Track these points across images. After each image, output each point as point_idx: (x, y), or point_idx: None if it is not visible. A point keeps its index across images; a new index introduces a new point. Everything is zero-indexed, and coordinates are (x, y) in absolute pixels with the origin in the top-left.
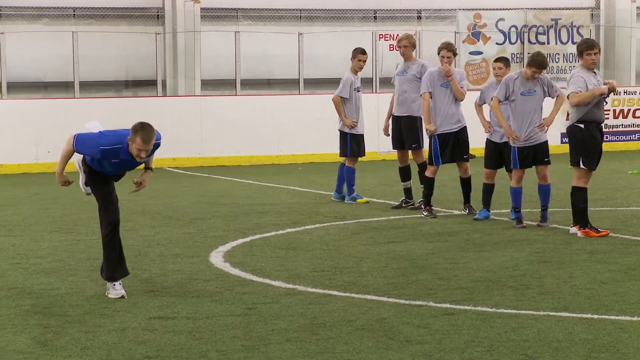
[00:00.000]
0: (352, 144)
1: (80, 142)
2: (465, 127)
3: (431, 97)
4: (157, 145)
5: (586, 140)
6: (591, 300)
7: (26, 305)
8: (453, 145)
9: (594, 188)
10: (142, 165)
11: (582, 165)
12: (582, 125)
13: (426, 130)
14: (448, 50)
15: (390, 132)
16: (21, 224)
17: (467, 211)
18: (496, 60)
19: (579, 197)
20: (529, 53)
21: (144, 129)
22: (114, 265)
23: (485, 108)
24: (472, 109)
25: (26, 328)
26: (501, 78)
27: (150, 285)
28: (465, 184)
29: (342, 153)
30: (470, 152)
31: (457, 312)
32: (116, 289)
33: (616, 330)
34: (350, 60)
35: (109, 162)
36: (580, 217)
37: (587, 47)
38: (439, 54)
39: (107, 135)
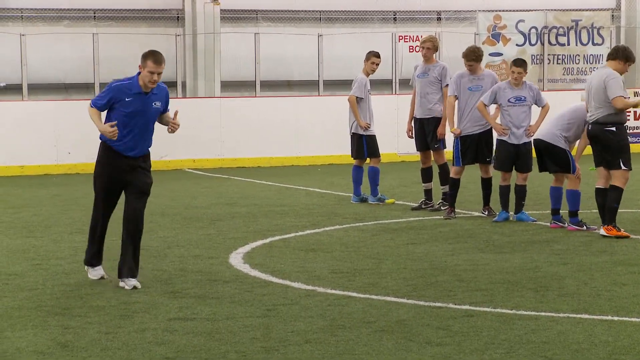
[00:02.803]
0: (368, 145)
1: (95, 98)
2: (490, 129)
3: (457, 100)
4: (166, 93)
5: (622, 141)
6: (611, 302)
7: (46, 306)
8: (476, 146)
9: None
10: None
11: (623, 167)
12: (613, 128)
13: (452, 133)
14: (467, 59)
15: (412, 134)
16: (41, 225)
17: (486, 213)
18: (518, 65)
19: (617, 196)
20: (549, 55)
21: (153, 53)
22: (93, 253)
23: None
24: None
25: (46, 329)
26: (518, 82)
27: (170, 287)
28: (486, 184)
29: (357, 155)
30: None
31: (476, 314)
32: (95, 270)
33: (637, 332)
34: (364, 62)
35: (124, 106)
36: (610, 214)
37: (633, 61)
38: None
39: (117, 79)
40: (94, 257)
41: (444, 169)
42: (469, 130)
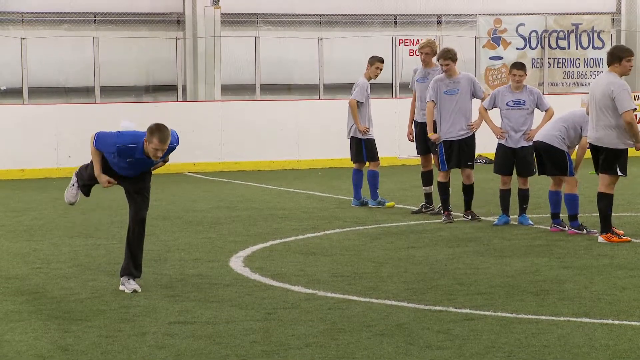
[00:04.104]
0: (367, 148)
1: (99, 140)
2: (473, 134)
3: (436, 105)
4: (172, 149)
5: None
6: (612, 305)
7: (47, 310)
8: (458, 151)
9: (615, 194)
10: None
11: (619, 173)
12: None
13: (430, 139)
14: (444, 59)
15: (413, 137)
16: (42, 228)
17: (469, 217)
18: (519, 68)
19: (605, 203)
20: (549, 58)
21: (160, 130)
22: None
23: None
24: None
25: (47, 332)
26: (519, 85)
27: (170, 290)
28: (467, 190)
29: (356, 159)
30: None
31: (477, 318)
32: (76, 193)
33: (637, 336)
34: (366, 66)
35: (124, 160)
36: (604, 222)
37: (629, 53)
38: (437, 60)
39: (124, 135)
40: (85, 189)
41: None
42: (452, 135)
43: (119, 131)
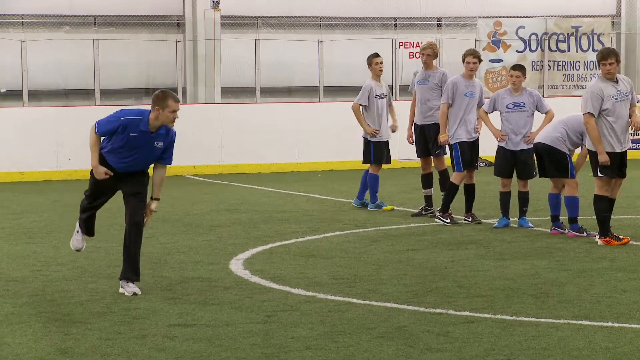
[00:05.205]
0: (375, 151)
1: (101, 124)
2: (478, 137)
3: (450, 107)
4: (172, 137)
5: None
6: (612, 308)
7: (47, 313)
8: (470, 152)
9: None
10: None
11: (599, 174)
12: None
13: (440, 139)
14: (474, 56)
15: (413, 139)
16: (42, 231)
17: (470, 219)
18: (516, 69)
19: (599, 206)
20: (549, 61)
21: (169, 94)
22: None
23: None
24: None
25: (46, 335)
26: (517, 87)
27: (170, 293)
28: (470, 190)
29: (365, 160)
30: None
31: (477, 320)
32: (80, 239)
33: (637, 339)
34: (368, 68)
35: (126, 137)
36: (601, 225)
37: (601, 57)
38: (464, 60)
39: (127, 110)
40: (88, 230)
41: (444, 175)
42: (467, 136)
43: (121, 109)
